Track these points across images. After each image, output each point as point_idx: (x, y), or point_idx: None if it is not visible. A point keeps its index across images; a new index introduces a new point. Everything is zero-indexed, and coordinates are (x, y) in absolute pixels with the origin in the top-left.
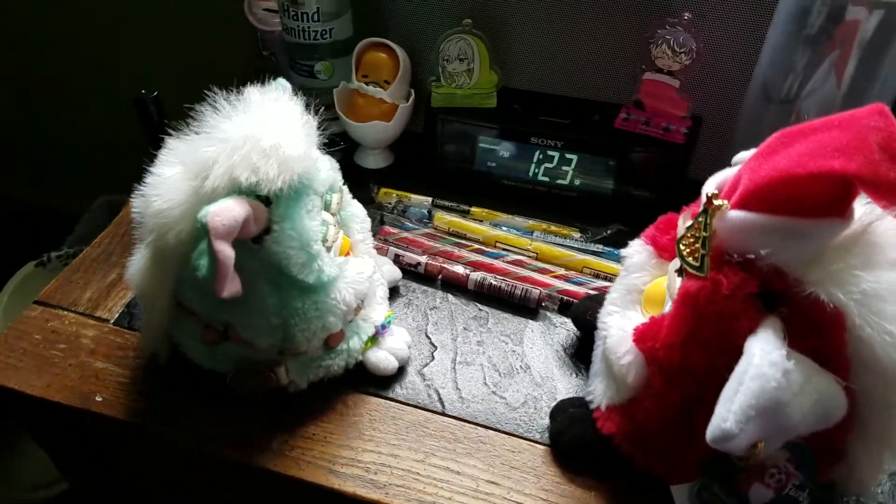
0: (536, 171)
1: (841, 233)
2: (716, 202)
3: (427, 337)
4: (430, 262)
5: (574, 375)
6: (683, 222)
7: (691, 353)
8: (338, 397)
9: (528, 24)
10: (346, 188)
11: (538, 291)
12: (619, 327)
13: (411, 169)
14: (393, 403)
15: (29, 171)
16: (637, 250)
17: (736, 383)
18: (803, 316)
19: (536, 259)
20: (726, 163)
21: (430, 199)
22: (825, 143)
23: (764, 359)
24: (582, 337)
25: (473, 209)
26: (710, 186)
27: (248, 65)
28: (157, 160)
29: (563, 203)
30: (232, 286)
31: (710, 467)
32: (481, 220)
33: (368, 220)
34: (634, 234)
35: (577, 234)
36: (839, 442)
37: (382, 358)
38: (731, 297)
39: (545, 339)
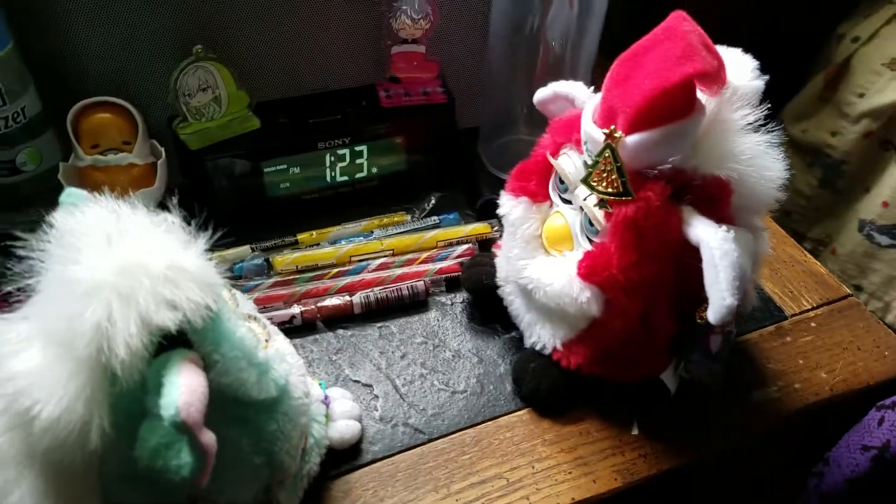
0: (333, 174)
1: (704, 121)
2: (615, 135)
3: (355, 382)
4: (303, 309)
5: (497, 336)
6: (568, 162)
7: (646, 265)
8: (327, 494)
9: (258, 32)
10: None
11: (422, 282)
12: (554, 274)
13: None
14: (379, 463)
15: None
16: (514, 205)
17: (713, 269)
18: (702, 195)
19: (395, 255)
20: (484, 105)
21: (248, 247)
22: (668, 55)
23: (717, 239)
24: (477, 302)
25: (300, 237)
26: (590, 126)
27: None
28: None
29: (371, 194)
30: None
31: (680, 345)
32: (318, 244)
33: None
34: (450, 197)
35: (407, 217)
36: None
37: (344, 427)
38: (661, 206)
39: (452, 321)
